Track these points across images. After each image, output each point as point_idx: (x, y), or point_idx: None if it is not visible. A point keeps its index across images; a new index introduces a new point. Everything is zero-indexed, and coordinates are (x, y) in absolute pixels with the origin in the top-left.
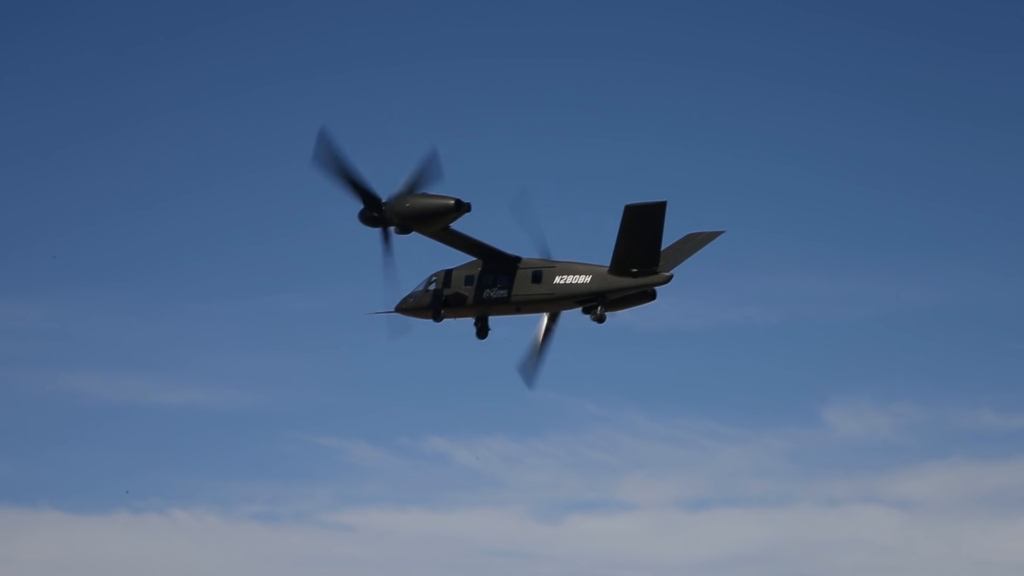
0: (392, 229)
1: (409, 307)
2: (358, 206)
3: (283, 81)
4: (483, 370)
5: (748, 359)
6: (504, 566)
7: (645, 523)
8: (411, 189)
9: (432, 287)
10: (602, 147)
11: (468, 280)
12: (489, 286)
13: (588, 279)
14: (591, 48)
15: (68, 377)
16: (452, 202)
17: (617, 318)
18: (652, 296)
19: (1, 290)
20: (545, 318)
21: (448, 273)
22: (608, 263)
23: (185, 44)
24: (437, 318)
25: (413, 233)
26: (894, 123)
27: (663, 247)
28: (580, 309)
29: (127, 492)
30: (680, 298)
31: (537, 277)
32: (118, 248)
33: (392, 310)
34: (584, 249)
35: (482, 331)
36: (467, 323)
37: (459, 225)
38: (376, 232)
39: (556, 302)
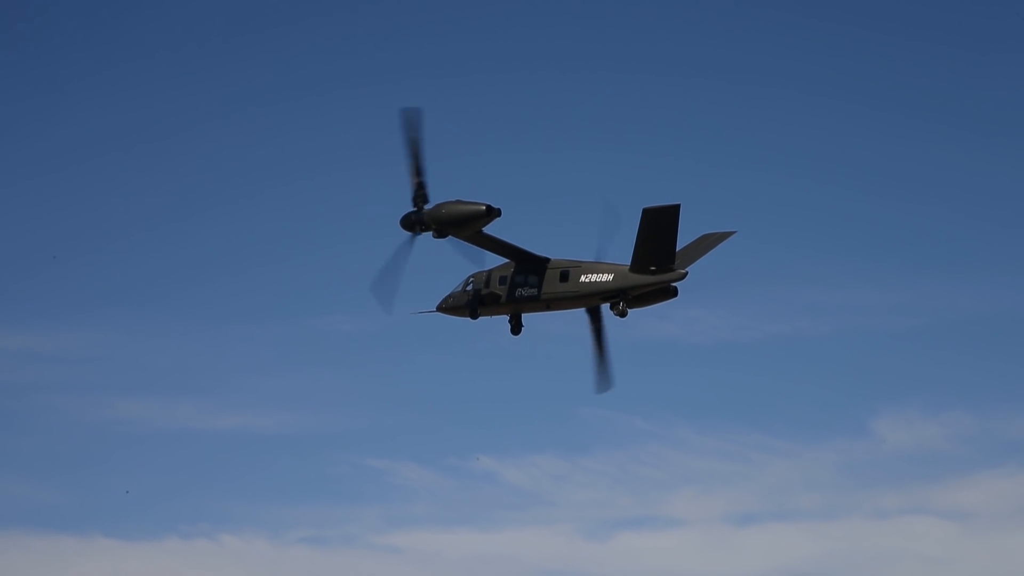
0: (423, 234)
1: (449, 306)
2: (407, 207)
3: (324, 92)
4: (531, 389)
5: (798, 371)
6: None
7: (694, 539)
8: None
9: (470, 287)
10: (621, 159)
11: (502, 280)
12: (521, 285)
13: (611, 277)
14: (600, 60)
15: (116, 403)
16: (484, 207)
17: (666, 331)
18: (674, 293)
19: (45, 316)
20: (589, 322)
21: (486, 274)
22: (629, 262)
23: (221, 53)
24: (474, 316)
25: (450, 237)
26: (938, 138)
27: (679, 247)
28: (606, 305)
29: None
30: (730, 311)
31: (564, 276)
32: (160, 268)
33: (433, 310)
34: (608, 250)
35: (516, 327)
36: (511, 340)
37: (492, 229)
38: (407, 236)
39: (582, 299)
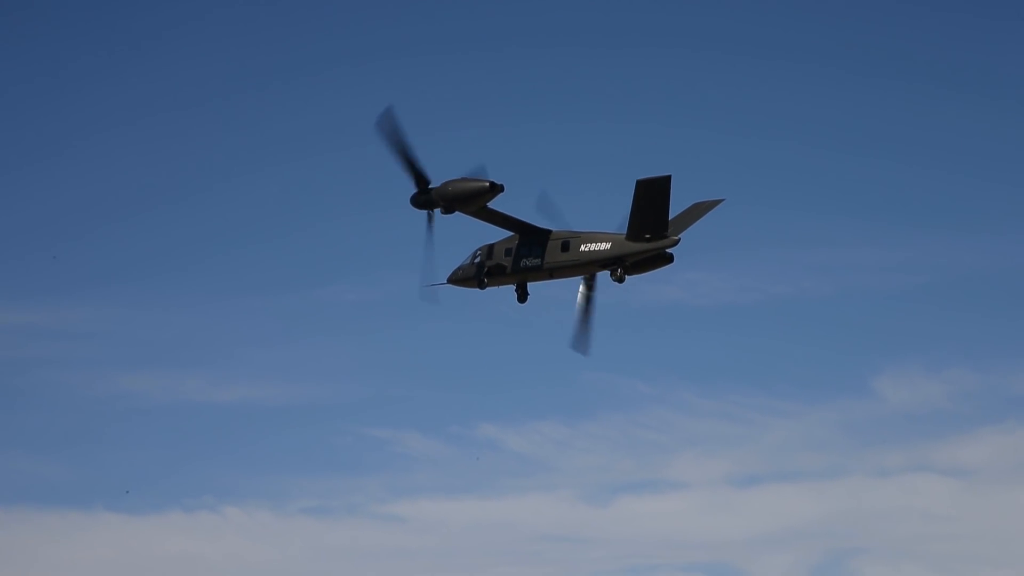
0: (438, 210)
1: (458, 278)
2: (411, 189)
3: (323, 71)
4: (534, 355)
5: (801, 332)
6: (555, 551)
7: (696, 502)
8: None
9: (477, 259)
10: (619, 132)
11: (507, 252)
12: (525, 256)
13: (609, 246)
14: (589, 33)
15: (120, 378)
16: (487, 184)
17: (669, 294)
18: (670, 259)
19: (48, 291)
20: (582, 287)
21: (490, 247)
22: (625, 231)
23: (205, 39)
24: (482, 286)
25: (457, 213)
26: (942, 101)
27: (672, 215)
28: (606, 272)
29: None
30: (733, 274)
31: (565, 246)
32: (164, 242)
33: (444, 282)
34: (603, 220)
35: (522, 296)
36: (514, 308)
37: (496, 204)
38: (423, 215)
39: (583, 267)
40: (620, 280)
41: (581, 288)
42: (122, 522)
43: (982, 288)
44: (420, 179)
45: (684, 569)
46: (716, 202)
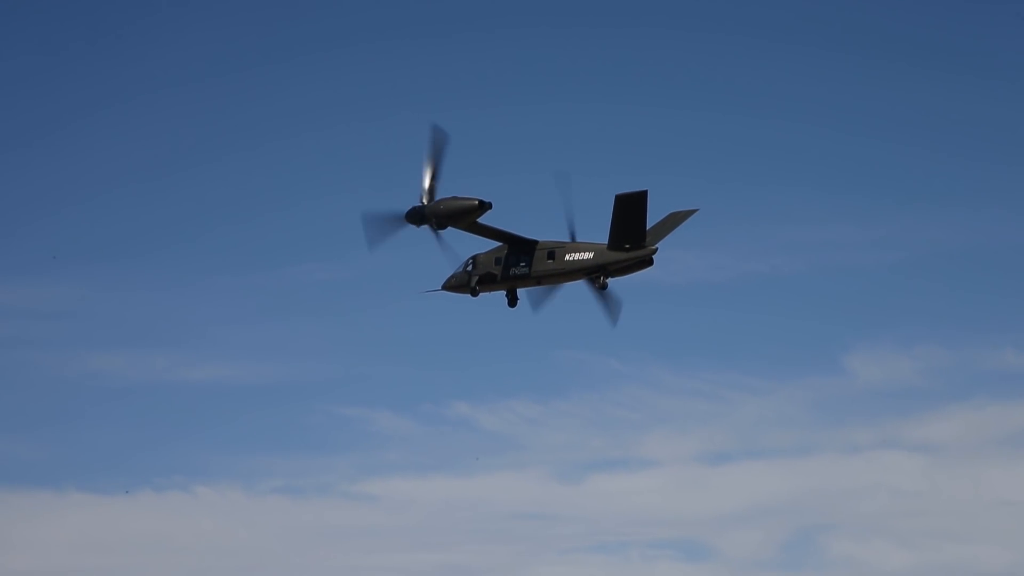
0: (431, 226)
1: (452, 285)
2: (405, 205)
3: (306, 53)
4: (507, 333)
5: (773, 309)
6: (526, 528)
7: (667, 479)
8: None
9: (469, 268)
10: (586, 110)
11: (497, 261)
12: (514, 265)
13: (591, 255)
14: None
15: (90, 357)
16: (476, 202)
17: (642, 273)
18: (650, 263)
19: (20, 271)
20: (588, 285)
21: (481, 256)
22: (607, 241)
23: (197, 19)
24: (474, 293)
25: (449, 228)
26: (913, 78)
27: (650, 225)
28: (586, 279)
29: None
30: (706, 250)
31: (551, 255)
32: (135, 223)
33: (439, 289)
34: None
35: (512, 301)
36: (498, 294)
37: (485, 219)
38: (418, 230)
39: (567, 275)
40: (603, 287)
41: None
42: (93, 502)
43: (954, 264)
44: (429, 194)
45: (654, 546)
46: (691, 212)
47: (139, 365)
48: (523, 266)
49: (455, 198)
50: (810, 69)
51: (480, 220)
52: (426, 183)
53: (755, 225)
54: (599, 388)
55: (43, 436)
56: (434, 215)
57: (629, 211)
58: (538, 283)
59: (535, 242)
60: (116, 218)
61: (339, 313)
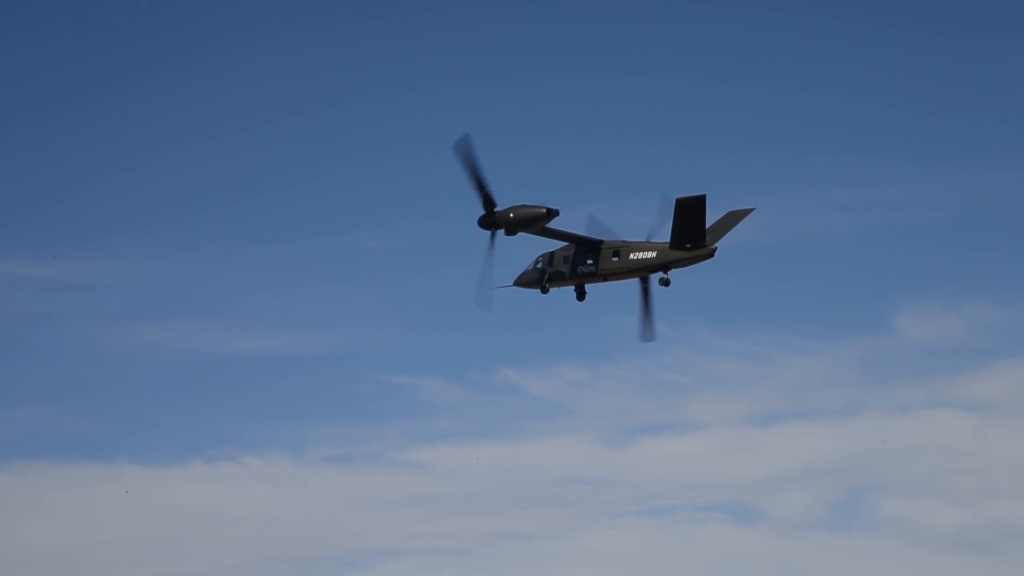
0: (501, 232)
1: (523, 282)
2: (479, 209)
3: (347, 23)
4: (553, 300)
5: (824, 269)
6: (574, 493)
7: (715, 442)
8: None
9: (539, 266)
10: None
11: (565, 260)
12: (581, 263)
13: (654, 254)
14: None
15: (140, 330)
16: (544, 210)
17: None
18: (711, 256)
19: (69, 243)
20: (639, 284)
21: (550, 255)
22: (668, 241)
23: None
24: (544, 290)
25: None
26: (962, 45)
27: (709, 223)
28: (651, 276)
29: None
30: (757, 212)
31: (616, 254)
32: (186, 192)
33: (511, 284)
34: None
35: (580, 295)
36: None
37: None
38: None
39: (632, 272)
40: (666, 283)
41: (639, 286)
42: (144, 473)
43: (1003, 222)
44: (488, 202)
45: (703, 509)
46: (748, 211)
47: (190, 337)
48: (590, 264)
49: (524, 206)
50: (861, 39)
51: (548, 225)
52: (479, 192)
53: (806, 187)
54: (646, 352)
55: (94, 409)
56: (505, 222)
57: (689, 214)
58: (604, 280)
59: (601, 242)
60: (166, 188)
61: (389, 281)
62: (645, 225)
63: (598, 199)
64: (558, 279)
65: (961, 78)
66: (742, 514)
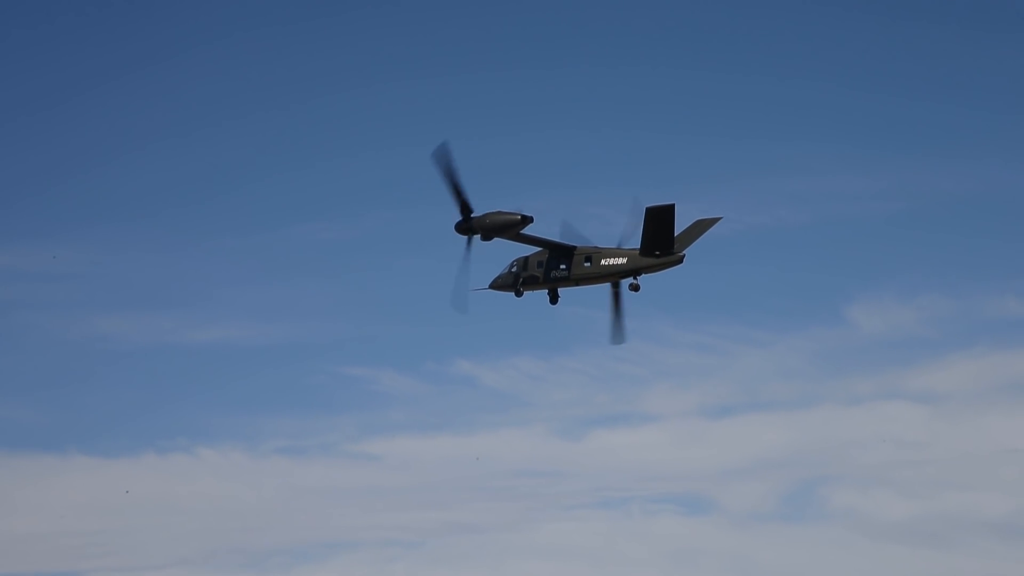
0: (477, 237)
1: (498, 285)
2: (456, 216)
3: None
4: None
5: (777, 261)
6: (529, 485)
7: (669, 433)
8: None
9: (514, 270)
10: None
11: (539, 264)
12: (554, 268)
13: (625, 260)
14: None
15: (95, 320)
16: (519, 217)
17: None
18: (680, 263)
19: (27, 234)
20: (611, 289)
21: (525, 259)
22: (639, 248)
23: None
24: (518, 293)
25: (495, 239)
26: (912, 30)
27: (678, 231)
28: (621, 281)
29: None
30: (711, 203)
31: (589, 260)
32: (143, 185)
33: (486, 287)
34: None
35: (553, 299)
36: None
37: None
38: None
39: (603, 277)
40: (635, 288)
41: (610, 291)
42: (96, 465)
43: (956, 214)
44: (465, 208)
45: (656, 500)
46: (715, 220)
47: (143, 327)
48: (563, 269)
49: (500, 213)
50: (810, 23)
51: (522, 231)
52: (456, 198)
53: (760, 178)
54: (602, 344)
55: (46, 399)
56: (481, 228)
57: (658, 222)
58: (576, 284)
59: (574, 247)
60: (122, 181)
61: (344, 272)
62: (595, 216)
63: (554, 188)
64: (532, 283)
65: (916, 68)
66: (695, 505)
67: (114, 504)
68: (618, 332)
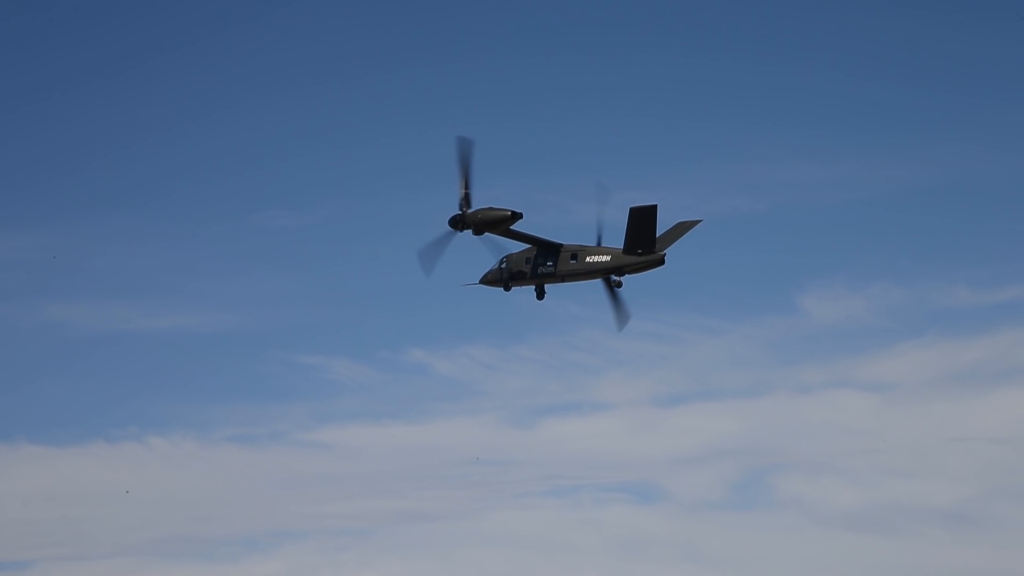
0: (469, 231)
1: (488, 280)
2: (454, 210)
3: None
4: (464, 278)
5: (731, 249)
6: (480, 474)
7: (620, 422)
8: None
9: (503, 266)
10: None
11: (527, 261)
12: (542, 264)
13: (609, 258)
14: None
15: (46, 308)
16: (509, 213)
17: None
18: (662, 262)
19: None
20: (604, 285)
21: (513, 256)
22: (622, 246)
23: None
24: (507, 288)
25: (486, 234)
26: (871, 15)
27: (660, 232)
28: (604, 278)
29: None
30: (669, 191)
31: (574, 257)
32: (98, 175)
33: (476, 283)
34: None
35: (540, 295)
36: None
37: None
38: (451, 232)
39: (588, 274)
40: (618, 285)
41: (604, 285)
42: (45, 454)
43: (907, 204)
44: (465, 203)
45: (607, 489)
46: (696, 222)
47: (96, 315)
48: (550, 265)
49: (491, 208)
50: (768, 10)
51: (512, 227)
52: (461, 192)
53: (717, 165)
54: (557, 332)
55: None
56: (473, 223)
57: (641, 222)
58: (562, 280)
59: (560, 245)
60: (74, 170)
61: (297, 260)
62: (552, 204)
63: (509, 177)
64: (520, 279)
65: (874, 55)
66: (645, 494)
67: (64, 494)
68: (621, 320)
